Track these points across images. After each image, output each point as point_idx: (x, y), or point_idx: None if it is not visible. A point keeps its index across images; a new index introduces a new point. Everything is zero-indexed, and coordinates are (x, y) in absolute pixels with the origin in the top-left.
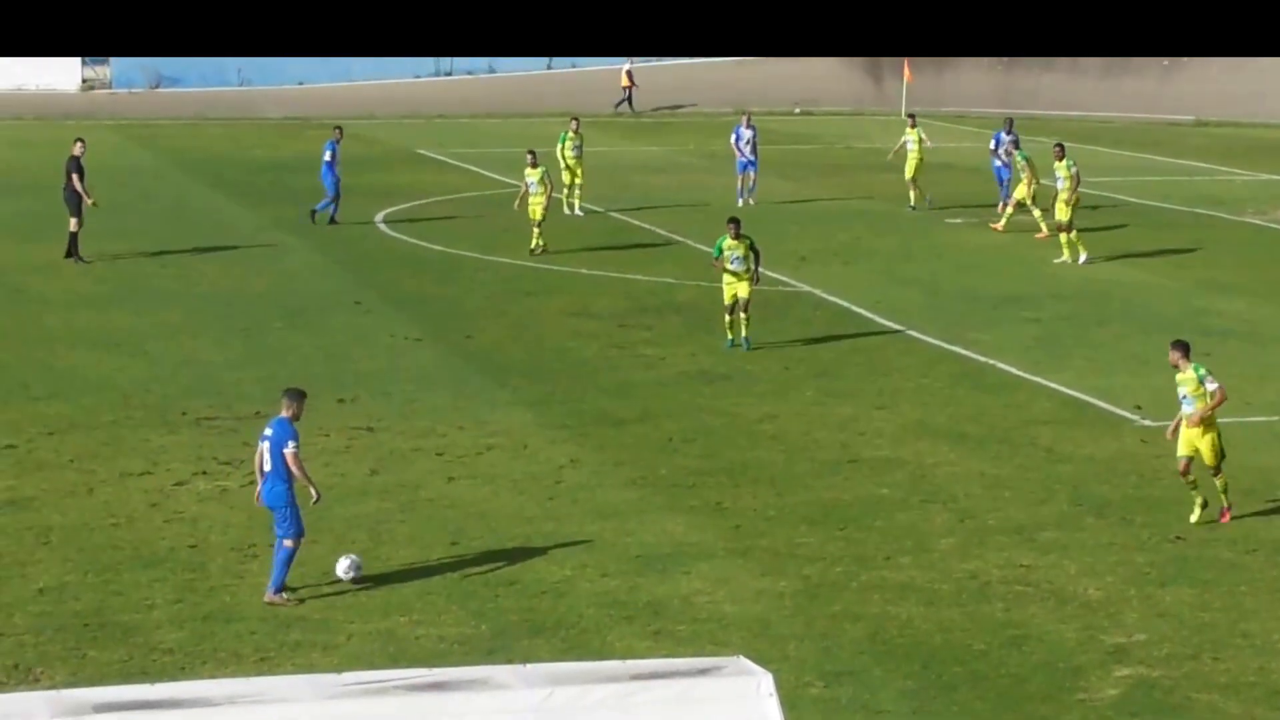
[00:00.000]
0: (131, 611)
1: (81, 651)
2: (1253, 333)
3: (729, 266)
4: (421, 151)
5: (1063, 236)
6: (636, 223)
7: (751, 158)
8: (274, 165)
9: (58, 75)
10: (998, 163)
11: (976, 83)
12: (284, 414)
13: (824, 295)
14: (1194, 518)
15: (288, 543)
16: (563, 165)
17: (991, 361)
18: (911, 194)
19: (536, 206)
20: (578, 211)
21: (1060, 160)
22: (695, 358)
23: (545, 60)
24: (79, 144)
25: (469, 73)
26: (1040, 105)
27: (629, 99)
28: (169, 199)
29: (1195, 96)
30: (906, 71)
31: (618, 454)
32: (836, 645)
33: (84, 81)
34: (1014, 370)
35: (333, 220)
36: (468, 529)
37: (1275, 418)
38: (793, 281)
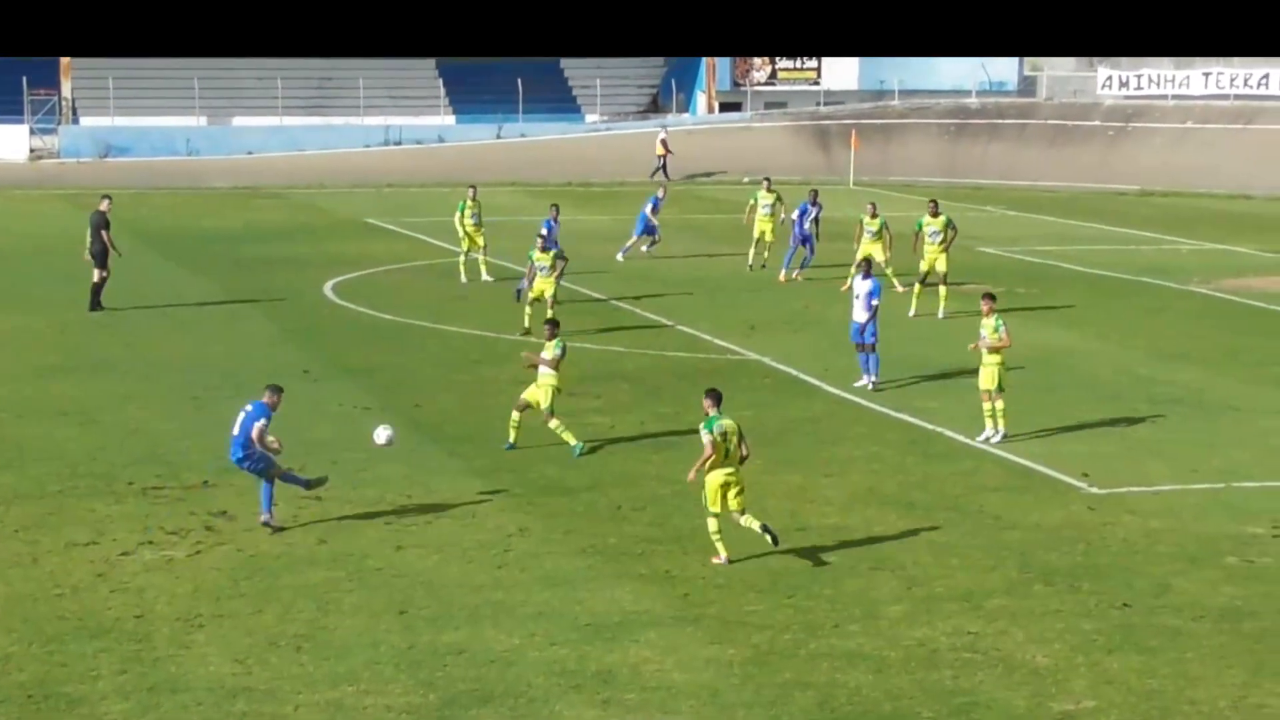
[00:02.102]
0: (76, 682)
1: None
2: (1200, 401)
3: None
4: (371, 221)
5: (942, 289)
6: (586, 291)
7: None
8: (223, 235)
9: (5, 145)
10: (799, 231)
11: (924, 152)
12: (264, 400)
13: (772, 364)
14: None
15: (269, 480)
16: (460, 233)
17: (940, 429)
18: (751, 253)
19: (545, 287)
20: (486, 277)
21: (935, 217)
22: (644, 425)
23: (494, 129)
24: (106, 201)
25: (418, 142)
26: (987, 174)
27: (664, 166)
28: (119, 268)
29: (1141, 166)
30: (854, 140)
31: (567, 522)
32: (785, 713)
33: (32, 151)
34: (962, 438)
35: None
36: (416, 598)
37: (1221, 485)
38: (741, 350)
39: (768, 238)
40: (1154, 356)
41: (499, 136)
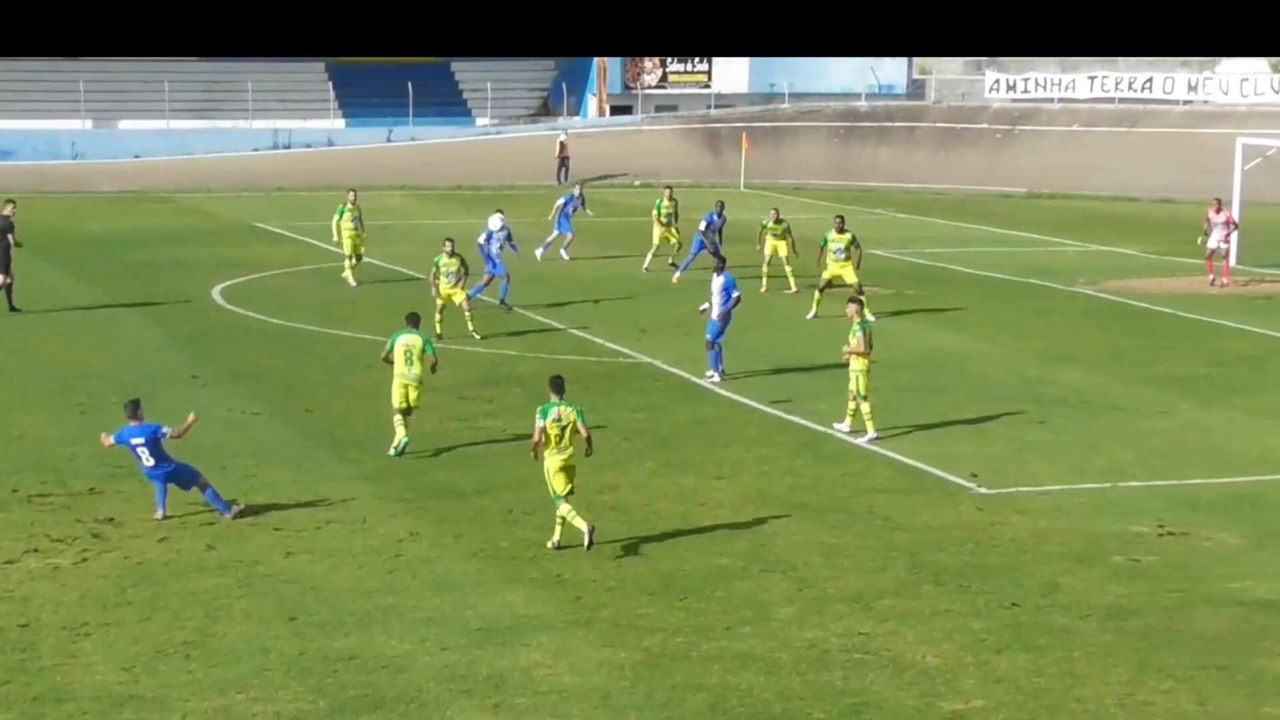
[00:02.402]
0: None
1: None
2: (1085, 402)
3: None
4: (259, 225)
5: (817, 294)
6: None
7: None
8: (110, 239)
9: None
10: (700, 239)
11: (814, 154)
12: (132, 423)
13: (664, 366)
14: (842, 425)
15: (201, 488)
16: (336, 237)
17: (830, 431)
18: (648, 257)
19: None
20: (351, 283)
21: (841, 233)
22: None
23: (385, 132)
24: (10, 205)
25: (307, 145)
26: (877, 177)
27: (564, 167)
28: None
29: (1028, 169)
30: (745, 143)
31: (458, 526)
32: (677, 716)
33: None
34: (852, 439)
35: None
36: (306, 604)
37: (1108, 485)
38: (632, 353)
39: (672, 241)
40: (1041, 358)
41: (389, 140)
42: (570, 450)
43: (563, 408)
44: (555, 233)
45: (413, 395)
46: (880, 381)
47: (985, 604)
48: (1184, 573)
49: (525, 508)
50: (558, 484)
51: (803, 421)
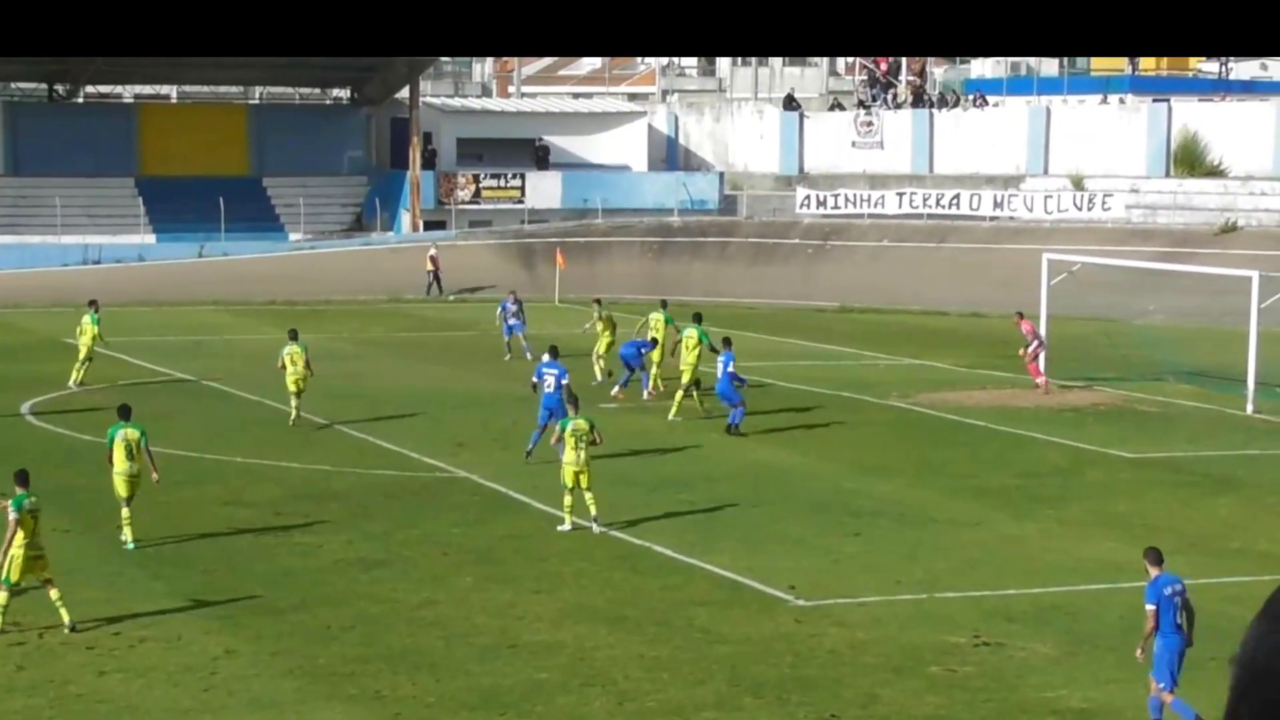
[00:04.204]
0: None
1: None
2: (901, 513)
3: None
4: (70, 340)
5: (679, 395)
6: (290, 410)
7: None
8: None
9: None
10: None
11: (628, 270)
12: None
13: (481, 481)
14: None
15: None
16: (83, 349)
17: (648, 544)
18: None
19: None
20: (72, 385)
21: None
22: (352, 545)
23: (196, 248)
24: None
25: (118, 260)
26: (691, 292)
27: (436, 280)
28: None
29: (839, 283)
30: (559, 258)
31: (275, 643)
32: None
33: None
34: (670, 552)
35: None
36: None
37: (924, 595)
38: (450, 468)
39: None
40: (857, 470)
41: (201, 255)
42: (38, 548)
43: (33, 498)
44: (507, 338)
45: (134, 487)
46: (699, 494)
47: (805, 716)
48: (1000, 682)
49: (342, 623)
50: (16, 572)
51: (620, 535)
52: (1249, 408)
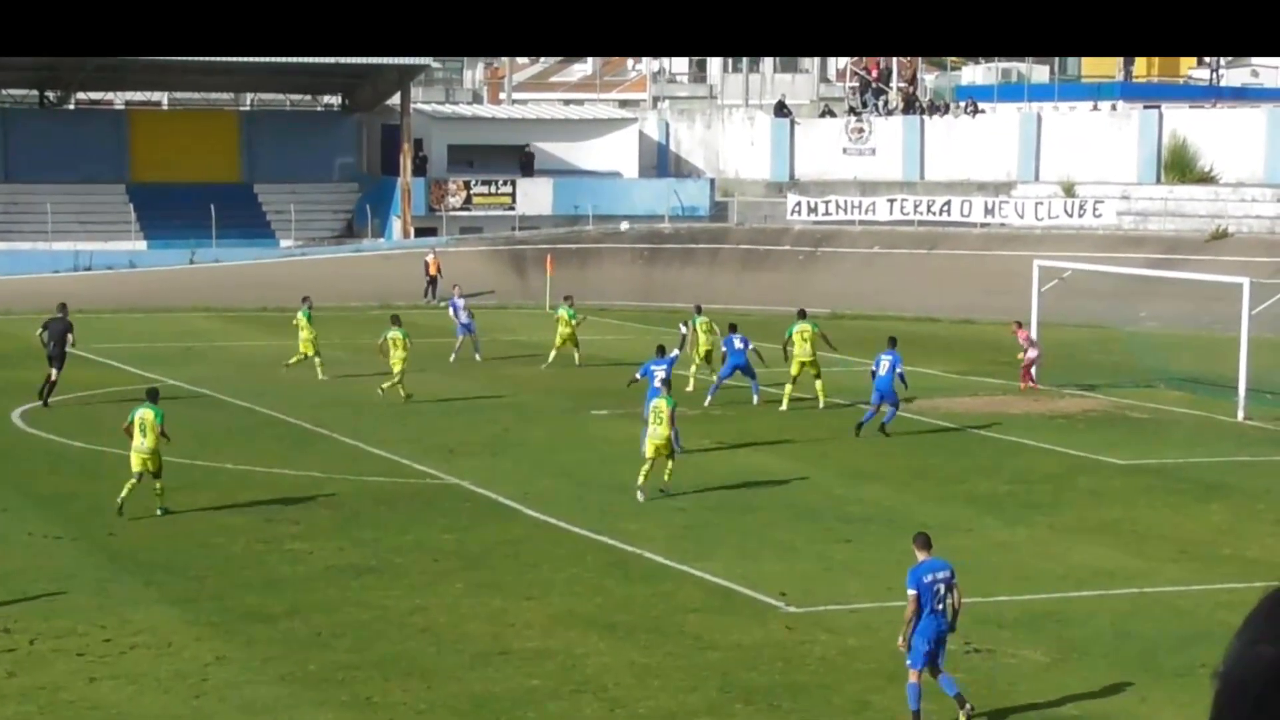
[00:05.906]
0: None
1: None
2: (891, 520)
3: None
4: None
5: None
6: (281, 416)
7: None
8: None
9: None
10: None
11: (618, 276)
12: None
13: (472, 487)
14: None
15: None
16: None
17: (640, 551)
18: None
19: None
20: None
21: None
22: (343, 551)
23: (187, 255)
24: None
25: (109, 267)
26: (682, 298)
27: (433, 284)
28: None
29: (830, 290)
30: (550, 265)
31: (266, 650)
32: None
33: None
34: (661, 559)
35: None
36: None
37: None
38: (441, 474)
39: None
40: (848, 476)
41: (192, 261)
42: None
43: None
44: (460, 338)
45: (150, 465)
46: (689, 501)
47: None
48: (990, 690)
49: (334, 630)
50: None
51: (612, 541)
52: (1240, 414)
